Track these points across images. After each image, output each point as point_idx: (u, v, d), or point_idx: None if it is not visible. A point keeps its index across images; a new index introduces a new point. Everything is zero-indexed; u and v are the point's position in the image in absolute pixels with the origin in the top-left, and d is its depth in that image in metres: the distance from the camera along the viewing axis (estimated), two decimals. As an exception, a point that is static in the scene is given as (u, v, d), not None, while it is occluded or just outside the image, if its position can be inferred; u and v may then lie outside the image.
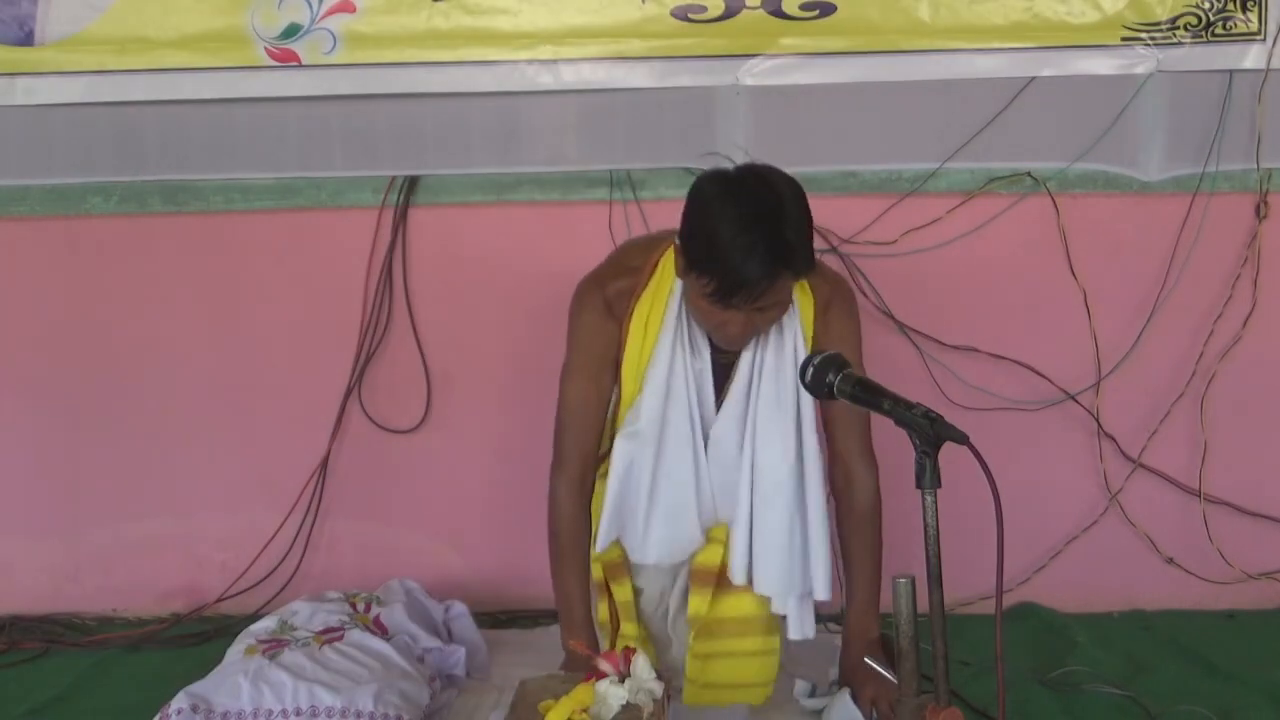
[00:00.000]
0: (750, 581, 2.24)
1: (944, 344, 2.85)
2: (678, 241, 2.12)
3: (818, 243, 2.84)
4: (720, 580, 2.27)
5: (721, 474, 2.24)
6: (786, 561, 2.21)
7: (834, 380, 1.78)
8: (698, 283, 2.04)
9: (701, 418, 2.23)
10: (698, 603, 2.27)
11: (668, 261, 2.21)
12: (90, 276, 2.97)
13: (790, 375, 2.18)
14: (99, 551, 3.01)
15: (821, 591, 2.23)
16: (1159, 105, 2.73)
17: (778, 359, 2.21)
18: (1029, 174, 2.80)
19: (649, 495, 2.23)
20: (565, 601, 2.29)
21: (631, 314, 2.21)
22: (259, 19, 2.77)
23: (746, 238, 1.97)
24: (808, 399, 2.19)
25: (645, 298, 2.21)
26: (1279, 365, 2.88)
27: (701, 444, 2.23)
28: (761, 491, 2.21)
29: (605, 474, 2.28)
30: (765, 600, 2.26)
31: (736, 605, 2.27)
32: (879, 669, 2.48)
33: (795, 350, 2.20)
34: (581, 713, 1.95)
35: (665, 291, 2.21)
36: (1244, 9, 2.71)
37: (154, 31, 2.78)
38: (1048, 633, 2.71)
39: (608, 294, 2.23)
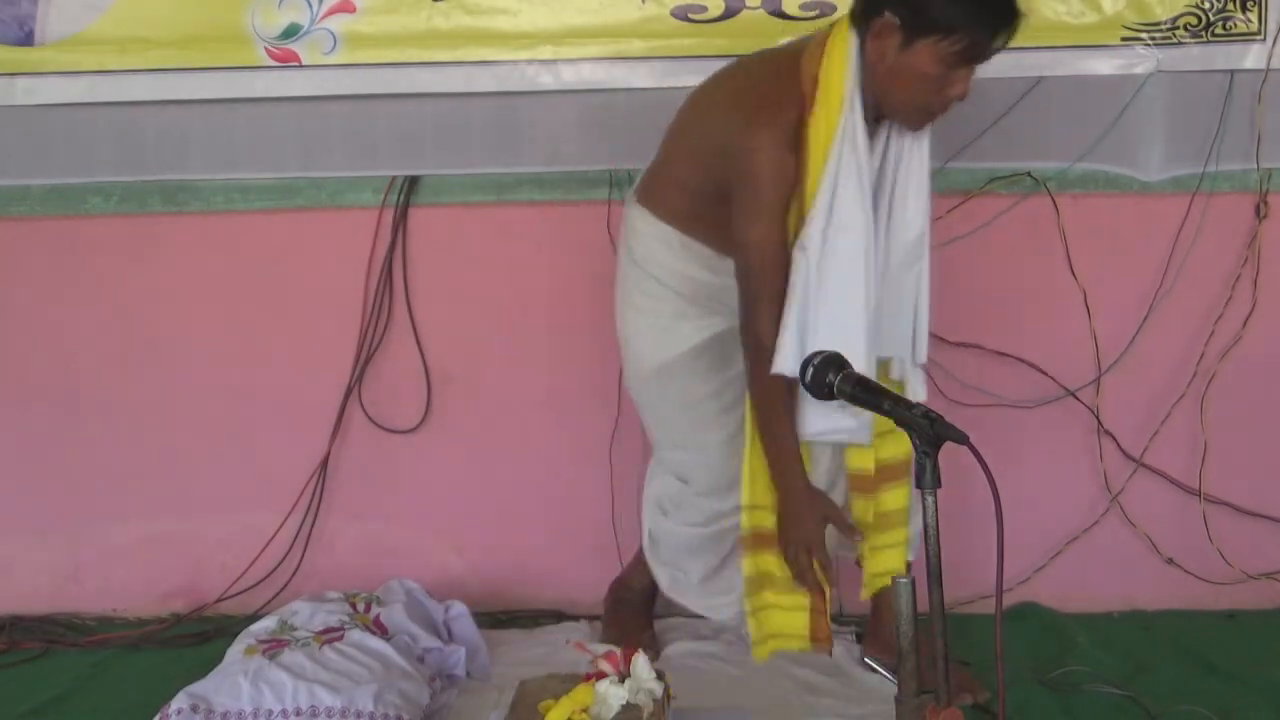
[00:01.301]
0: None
1: (945, 341, 2.84)
2: (893, 19, 2.05)
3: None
4: (876, 480, 2.31)
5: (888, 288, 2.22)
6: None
7: (834, 380, 1.78)
8: (937, 48, 2.03)
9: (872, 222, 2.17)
10: (861, 507, 2.32)
11: (829, 74, 2.13)
12: (90, 276, 2.97)
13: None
14: (99, 551, 3.01)
15: (922, 355, 2.29)
16: (1159, 105, 2.73)
17: (917, 143, 2.22)
18: (1029, 174, 2.80)
19: (819, 305, 2.14)
20: (781, 442, 2.21)
21: (808, 140, 2.13)
22: (259, 19, 2.77)
23: None
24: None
25: (818, 119, 2.12)
26: (1279, 365, 2.88)
27: (873, 248, 2.17)
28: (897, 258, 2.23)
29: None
30: (907, 493, 2.33)
31: (892, 499, 2.34)
32: (879, 669, 2.50)
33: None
34: (581, 713, 1.95)
35: (835, 107, 2.12)
36: (1244, 9, 2.71)
37: (154, 31, 2.78)
38: (1048, 633, 2.71)
39: (785, 128, 2.13)
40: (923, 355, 2.29)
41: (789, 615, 2.32)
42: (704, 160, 2.25)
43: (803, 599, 2.29)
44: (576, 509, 2.96)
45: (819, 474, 2.33)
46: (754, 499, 2.29)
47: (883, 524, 2.34)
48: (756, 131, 2.13)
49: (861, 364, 2.02)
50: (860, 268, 2.13)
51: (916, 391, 2.26)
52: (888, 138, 2.21)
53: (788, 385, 2.15)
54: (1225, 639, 2.70)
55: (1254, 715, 2.29)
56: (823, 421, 2.18)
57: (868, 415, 2.17)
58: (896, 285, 2.23)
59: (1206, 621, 2.82)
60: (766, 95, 2.16)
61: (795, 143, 2.12)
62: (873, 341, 2.15)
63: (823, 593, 2.24)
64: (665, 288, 2.36)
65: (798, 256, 2.13)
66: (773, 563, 2.30)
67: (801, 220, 2.14)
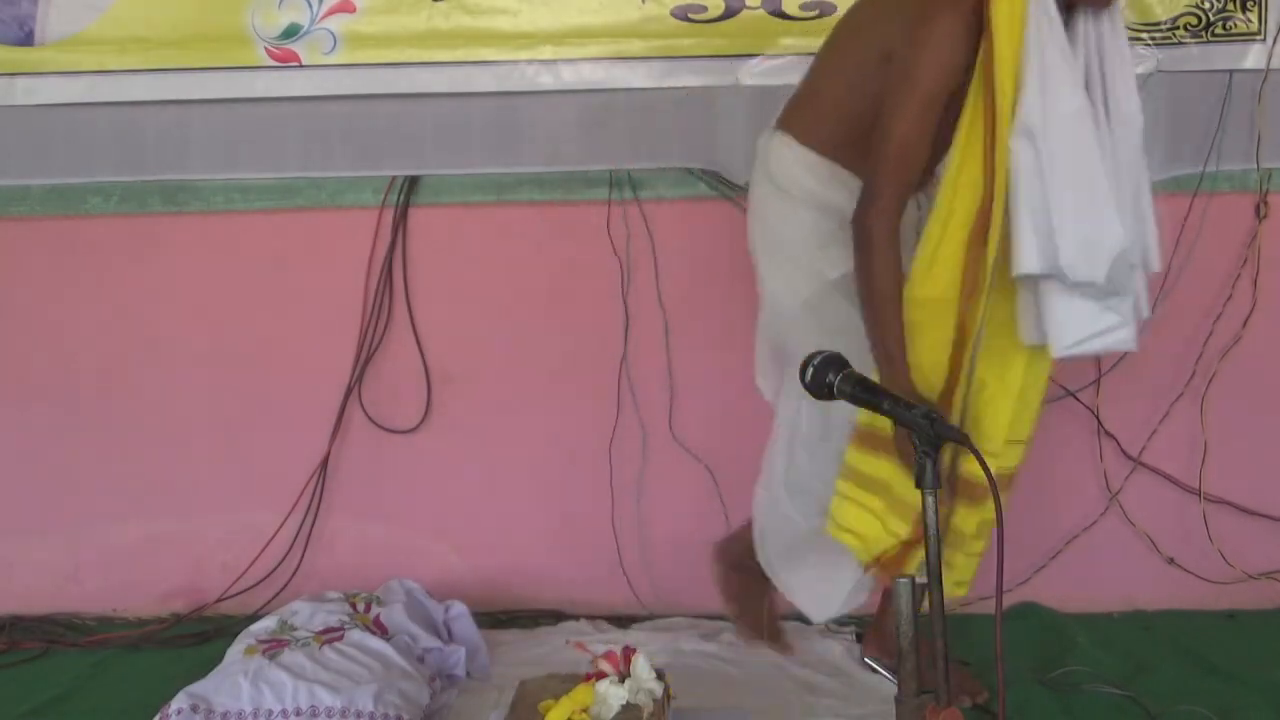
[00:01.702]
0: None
1: (944, 344, 2.85)
2: None
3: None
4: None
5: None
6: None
7: (834, 380, 1.78)
8: None
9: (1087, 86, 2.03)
10: (964, 517, 2.19)
11: None
12: (90, 276, 2.97)
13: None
14: (99, 551, 3.01)
15: (1154, 264, 2.15)
16: (1159, 105, 2.72)
17: (1114, 32, 2.08)
18: (1029, 174, 2.80)
19: (1059, 190, 1.99)
20: (892, 339, 2.09)
21: (993, 24, 1.98)
22: (259, 19, 2.77)
23: None
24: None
25: (1000, 3, 1.99)
26: (1279, 365, 2.88)
27: (1103, 115, 2.03)
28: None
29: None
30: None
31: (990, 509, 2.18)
32: (879, 669, 2.50)
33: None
34: (581, 713, 1.95)
35: None
36: (1244, 9, 2.71)
37: (154, 31, 2.78)
38: (1048, 633, 2.71)
39: (963, 13, 2.01)
40: (1155, 264, 2.14)
41: (869, 519, 2.19)
42: (864, 74, 2.12)
43: (893, 522, 2.16)
44: (576, 509, 2.96)
45: None
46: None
47: (982, 532, 2.23)
48: (931, 16, 2.00)
49: (1115, 248, 1.95)
50: (1092, 146, 1.99)
51: (1142, 309, 2.11)
52: (1085, 32, 2.05)
53: (887, 289, 2.04)
54: (1225, 639, 2.70)
55: (1254, 715, 2.29)
56: (1084, 325, 2.04)
57: (1129, 309, 2.06)
58: (1131, 185, 2.07)
59: (1206, 621, 2.81)
60: None
61: (973, 30, 1.99)
62: (1127, 226, 2.01)
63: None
64: (811, 214, 2.21)
65: (1018, 145, 1.97)
66: (875, 465, 2.17)
67: (988, 115, 2.00)
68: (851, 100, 2.14)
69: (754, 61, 2.75)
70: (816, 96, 2.25)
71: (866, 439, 2.18)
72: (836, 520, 2.23)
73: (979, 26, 2.00)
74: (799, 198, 2.22)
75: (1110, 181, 2.00)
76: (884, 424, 2.11)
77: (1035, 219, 1.98)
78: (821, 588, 2.39)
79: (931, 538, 1.60)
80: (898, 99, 2.03)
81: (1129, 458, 2.89)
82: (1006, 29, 1.98)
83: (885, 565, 2.21)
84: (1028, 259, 1.98)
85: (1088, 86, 2.03)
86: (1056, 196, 1.97)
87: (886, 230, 2.04)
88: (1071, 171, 1.98)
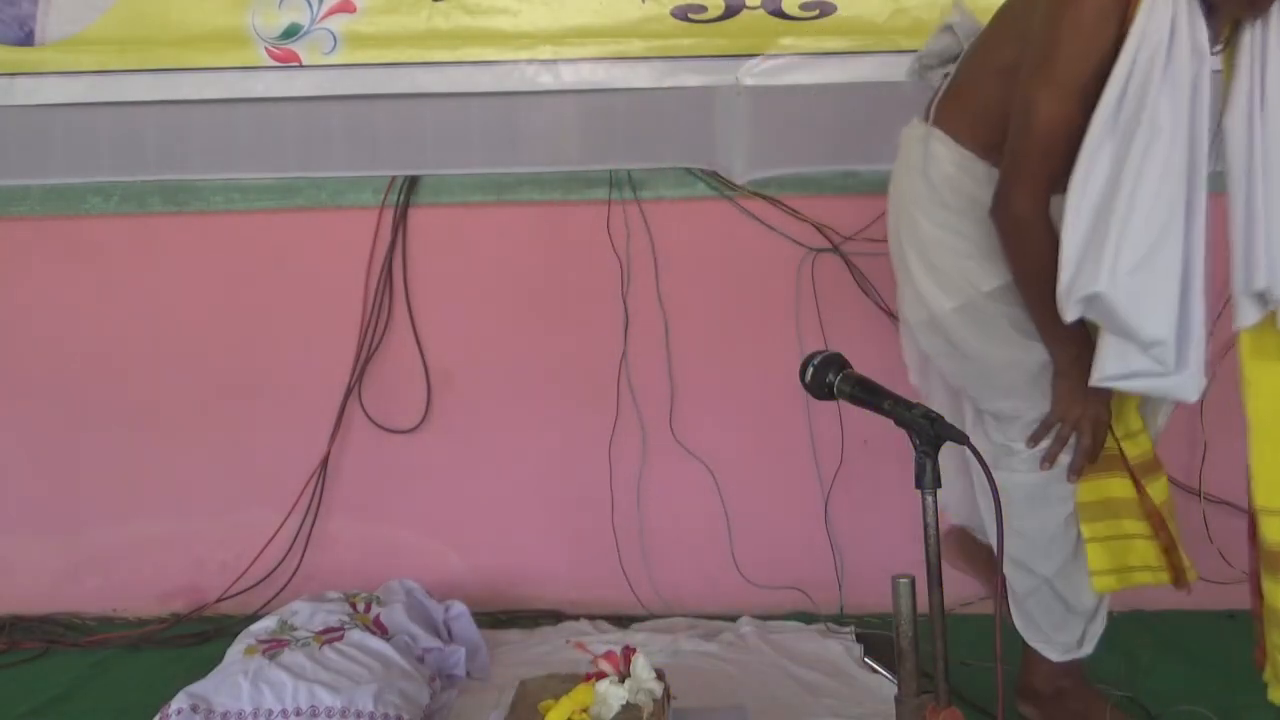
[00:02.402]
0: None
1: (944, 344, 2.85)
2: None
3: (818, 241, 2.87)
4: None
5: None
6: None
7: (834, 380, 1.78)
8: None
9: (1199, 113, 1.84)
10: (1273, 590, 2.04)
11: None
12: (90, 276, 2.97)
13: None
14: (99, 551, 3.02)
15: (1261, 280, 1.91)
16: (1159, 105, 2.72)
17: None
18: (1029, 174, 2.80)
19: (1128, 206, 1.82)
20: (1060, 332, 1.95)
21: (1133, 15, 1.82)
22: (259, 19, 2.77)
23: None
24: None
25: None
26: (1279, 365, 2.87)
27: (1204, 141, 1.85)
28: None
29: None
30: None
31: None
32: (878, 669, 2.50)
33: None
34: (581, 713, 1.95)
35: None
36: (1244, 9, 2.70)
37: (154, 31, 2.78)
38: (1048, 633, 2.71)
39: None
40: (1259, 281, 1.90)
41: (1137, 544, 2.06)
42: (1016, 71, 1.95)
43: (1129, 524, 2.05)
44: (576, 509, 2.96)
45: None
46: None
47: None
48: None
49: (1169, 320, 1.81)
50: (1174, 184, 1.81)
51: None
52: (1250, 41, 1.87)
53: (1043, 264, 1.88)
54: (1225, 639, 2.69)
55: (1254, 715, 2.29)
56: (1114, 362, 1.88)
57: (1193, 360, 1.88)
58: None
59: (1206, 621, 2.81)
60: None
61: (1121, 10, 1.82)
62: (1184, 293, 1.84)
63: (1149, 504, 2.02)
64: (968, 222, 2.05)
65: (1096, 141, 1.83)
66: (1118, 485, 2.05)
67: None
68: (1006, 99, 1.96)
69: (754, 61, 2.75)
70: (971, 92, 2.09)
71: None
72: (1106, 570, 2.09)
73: (1127, 14, 1.83)
74: (956, 205, 2.07)
75: (1186, 216, 1.83)
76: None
77: (1087, 238, 1.85)
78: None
79: (931, 538, 1.60)
80: (1038, 63, 1.88)
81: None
82: (1135, 25, 1.82)
83: (1177, 571, 2.11)
84: (1066, 276, 1.86)
85: (1232, 100, 1.88)
86: (1116, 225, 1.82)
87: (1035, 210, 1.90)
88: (1139, 206, 1.82)
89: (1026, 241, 1.93)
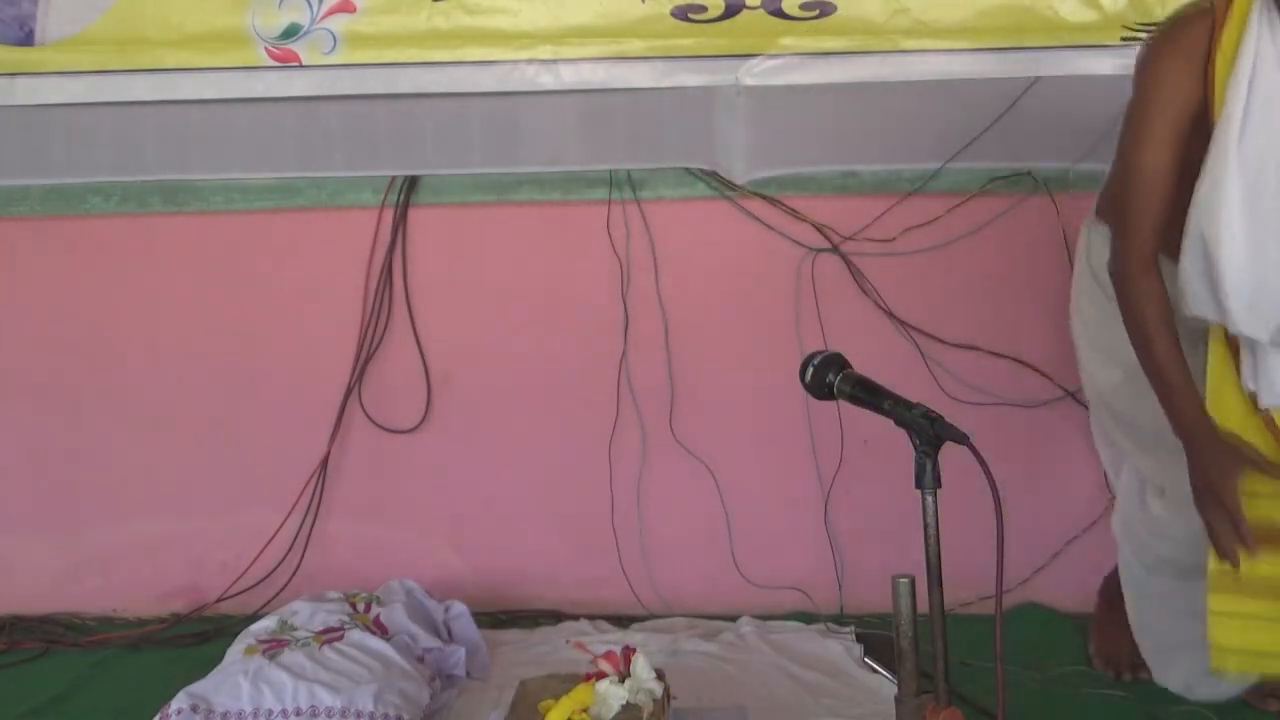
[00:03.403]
0: None
1: (944, 342, 2.85)
2: None
3: (818, 241, 2.87)
4: None
5: None
6: None
7: (834, 380, 1.78)
8: None
9: None
10: None
11: None
12: (90, 276, 2.97)
13: None
14: (99, 551, 3.01)
15: None
16: (1159, 105, 2.72)
17: None
18: (1029, 174, 2.80)
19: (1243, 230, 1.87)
20: (1173, 380, 1.95)
21: (1216, 52, 1.89)
22: (259, 19, 2.77)
23: None
24: None
25: (1232, 23, 1.89)
26: (1279, 365, 2.87)
27: None
28: None
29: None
30: None
31: None
32: (878, 669, 2.50)
33: None
34: (581, 713, 1.95)
35: (1244, 21, 1.88)
36: (1244, 9, 2.70)
37: (154, 31, 2.78)
38: (1048, 633, 2.71)
39: (1186, 41, 1.93)
40: None
41: (1259, 627, 1.93)
42: None
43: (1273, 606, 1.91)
44: (576, 509, 2.96)
45: None
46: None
47: None
48: (1151, 47, 1.97)
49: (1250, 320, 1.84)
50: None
51: None
52: None
53: (1151, 323, 1.93)
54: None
55: (1254, 715, 2.29)
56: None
57: None
58: None
59: (1206, 621, 2.81)
60: (1177, 13, 1.99)
61: (1201, 55, 1.90)
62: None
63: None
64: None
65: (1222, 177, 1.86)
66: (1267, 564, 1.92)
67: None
68: None
69: (754, 61, 2.74)
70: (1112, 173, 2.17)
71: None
72: (1223, 650, 1.97)
73: (1210, 53, 1.91)
74: (1107, 282, 2.14)
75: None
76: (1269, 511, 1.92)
77: (1202, 256, 1.89)
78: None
79: (931, 538, 1.60)
80: (1129, 128, 1.99)
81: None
82: (1223, 56, 1.90)
83: None
84: (1193, 299, 1.91)
85: None
86: (1232, 236, 1.86)
87: (1142, 266, 1.96)
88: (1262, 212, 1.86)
89: (1130, 293, 1.99)
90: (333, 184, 2.89)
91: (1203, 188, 1.89)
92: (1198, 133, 1.93)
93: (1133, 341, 2.01)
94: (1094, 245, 2.24)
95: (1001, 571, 1.55)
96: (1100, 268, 2.16)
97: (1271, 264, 1.88)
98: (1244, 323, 1.90)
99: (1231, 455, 1.91)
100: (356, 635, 2.36)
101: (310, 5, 2.76)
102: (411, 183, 2.89)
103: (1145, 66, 1.99)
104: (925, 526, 1.61)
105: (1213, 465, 1.91)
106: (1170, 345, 1.96)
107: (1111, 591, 2.48)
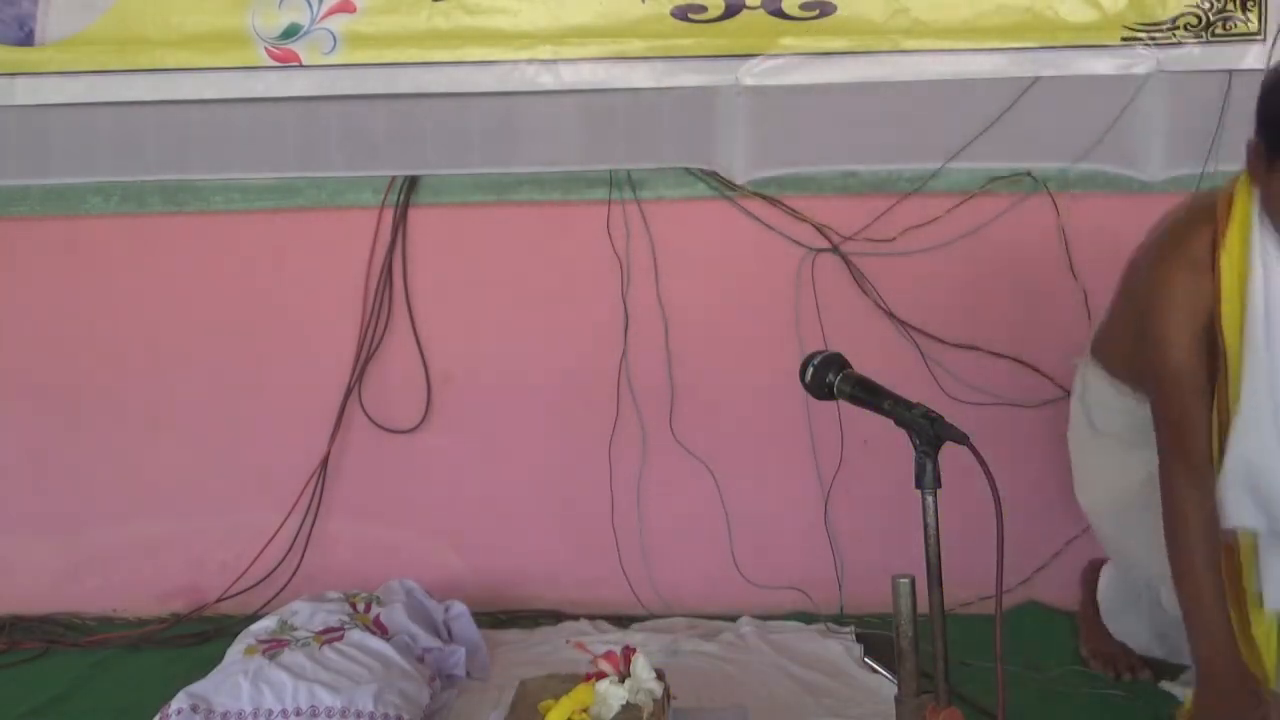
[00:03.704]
0: None
1: (944, 342, 2.85)
2: (1256, 143, 1.90)
3: (818, 241, 2.87)
4: None
5: None
6: None
7: (834, 380, 1.77)
8: None
9: None
10: None
11: (1242, 194, 1.95)
12: (90, 276, 2.97)
13: None
14: (99, 551, 3.02)
15: None
16: (1159, 105, 2.72)
17: None
18: (1029, 174, 2.80)
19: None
20: (1204, 612, 1.93)
21: (1220, 259, 1.92)
22: (259, 19, 2.77)
23: None
24: None
25: (1232, 237, 1.92)
26: (1279, 365, 2.87)
27: None
28: None
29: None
30: None
31: None
32: (878, 669, 2.50)
33: None
34: (581, 713, 1.95)
35: (1246, 229, 1.92)
36: (1244, 9, 2.71)
37: (154, 31, 2.78)
38: (1048, 633, 2.71)
39: (1191, 249, 1.96)
40: None
41: None
42: (1131, 318, 2.10)
43: None
44: (576, 509, 2.96)
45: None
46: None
47: None
48: (1156, 256, 2.01)
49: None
50: None
51: None
52: None
53: (1195, 555, 1.92)
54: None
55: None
56: None
57: None
58: None
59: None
60: (1176, 220, 2.04)
61: (1207, 262, 1.93)
62: None
63: None
64: (1113, 422, 2.21)
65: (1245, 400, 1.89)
66: None
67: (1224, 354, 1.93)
68: (1130, 339, 2.11)
69: (754, 61, 2.75)
70: (1108, 329, 2.24)
71: None
72: None
73: (1207, 273, 1.94)
74: (1098, 416, 2.23)
75: None
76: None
77: (1244, 469, 1.90)
78: None
79: (931, 538, 1.60)
80: (1150, 337, 1.99)
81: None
82: (1228, 288, 1.92)
83: None
84: (1234, 512, 1.91)
85: None
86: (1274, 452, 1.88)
87: (1190, 483, 1.95)
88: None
89: (1179, 521, 1.96)
90: (333, 184, 2.89)
91: (1243, 411, 1.90)
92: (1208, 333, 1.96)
93: (1170, 548, 1.97)
94: (1089, 383, 2.27)
95: (1001, 571, 1.55)
96: (1094, 405, 2.23)
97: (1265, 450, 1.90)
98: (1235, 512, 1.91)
99: (1250, 701, 1.88)
100: (356, 635, 2.36)
101: (310, 5, 2.76)
102: (411, 183, 2.89)
103: (1152, 275, 2.00)
104: (925, 526, 1.61)
105: (1227, 707, 1.90)
106: (1210, 560, 1.93)
107: (1092, 582, 2.54)
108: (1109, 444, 2.22)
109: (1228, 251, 1.92)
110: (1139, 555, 2.16)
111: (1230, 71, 2.72)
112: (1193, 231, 1.97)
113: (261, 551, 2.95)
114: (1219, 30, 2.71)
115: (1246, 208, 1.93)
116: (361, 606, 2.52)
